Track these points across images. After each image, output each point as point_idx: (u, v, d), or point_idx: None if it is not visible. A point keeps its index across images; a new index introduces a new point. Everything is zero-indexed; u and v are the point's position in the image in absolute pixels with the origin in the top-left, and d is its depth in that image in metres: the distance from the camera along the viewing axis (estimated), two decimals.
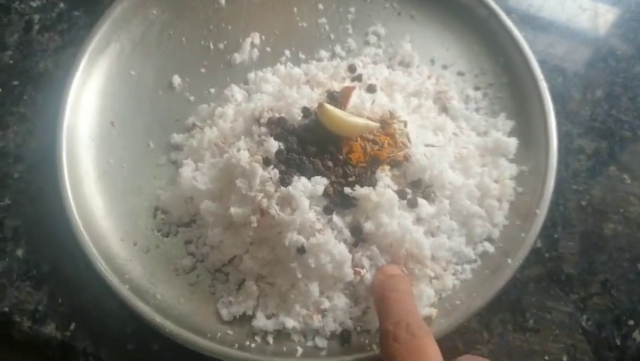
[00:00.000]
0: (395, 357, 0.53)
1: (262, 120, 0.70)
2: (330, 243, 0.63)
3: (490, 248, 0.70)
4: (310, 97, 0.72)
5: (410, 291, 0.62)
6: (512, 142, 0.74)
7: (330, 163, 0.67)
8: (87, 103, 0.76)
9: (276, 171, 0.65)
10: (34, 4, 0.86)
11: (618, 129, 0.80)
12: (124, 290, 0.66)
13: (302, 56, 0.82)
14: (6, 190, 0.75)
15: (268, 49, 0.82)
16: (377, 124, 0.69)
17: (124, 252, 0.70)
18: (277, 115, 0.70)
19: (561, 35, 0.87)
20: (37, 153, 0.77)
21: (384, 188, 0.66)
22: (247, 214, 0.65)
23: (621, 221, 0.75)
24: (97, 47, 0.78)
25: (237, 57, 0.81)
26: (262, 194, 0.64)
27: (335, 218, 0.65)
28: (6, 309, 0.69)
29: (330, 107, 0.67)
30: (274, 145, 0.67)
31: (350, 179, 0.67)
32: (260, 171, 0.65)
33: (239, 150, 0.68)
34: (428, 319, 0.65)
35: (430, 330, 0.57)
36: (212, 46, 0.82)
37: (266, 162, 0.66)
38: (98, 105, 0.77)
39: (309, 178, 0.65)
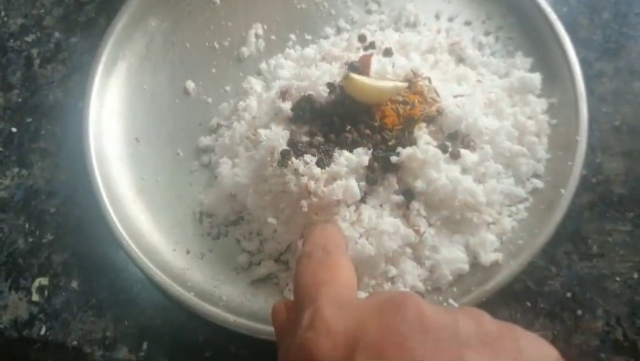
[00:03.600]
0: (304, 272, 0.49)
1: (287, 96, 0.70)
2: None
3: (539, 183, 0.70)
4: (332, 72, 0.71)
5: (338, 229, 0.60)
6: (536, 77, 0.74)
7: (367, 131, 0.66)
8: (108, 126, 0.75)
9: (312, 154, 0.65)
10: (28, 39, 0.85)
11: (632, 45, 0.81)
12: (191, 298, 0.65)
13: (308, 37, 0.81)
14: (46, 227, 0.74)
15: (273, 37, 0.82)
16: (405, 84, 0.68)
17: (179, 262, 0.69)
18: (303, 94, 0.69)
19: None
20: (68, 185, 0.76)
21: (426, 145, 0.66)
22: (296, 199, 0.64)
23: None
24: (105, 69, 0.76)
25: (245, 51, 0.80)
26: (306, 177, 0.64)
27: (379, 188, 0.65)
28: (75, 343, 0.68)
29: (356, 76, 0.66)
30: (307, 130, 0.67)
31: (390, 143, 0.66)
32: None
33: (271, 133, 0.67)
34: (495, 264, 0.65)
35: (346, 251, 0.54)
36: (217, 45, 0.81)
37: (305, 146, 0.66)
38: (119, 126, 0.76)
39: (350, 151, 0.65)
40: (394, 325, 0.37)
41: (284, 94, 0.70)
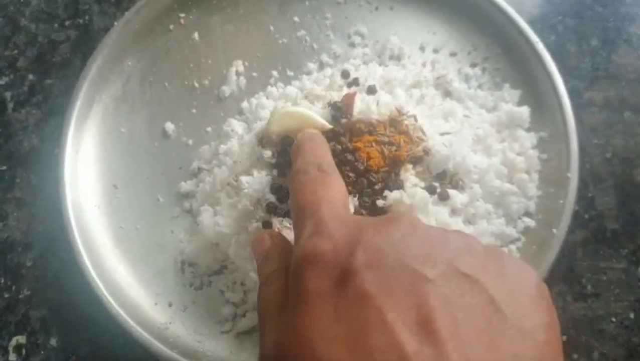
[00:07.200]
0: (303, 189, 0.50)
1: (264, 141, 0.67)
2: None
3: (530, 222, 0.68)
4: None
5: (327, 144, 0.60)
6: (525, 111, 0.72)
7: (352, 175, 0.64)
8: (85, 173, 0.72)
9: None
10: (1, 82, 0.82)
11: (622, 73, 0.79)
12: (173, 356, 0.62)
13: (290, 73, 0.79)
14: (22, 281, 0.71)
15: (254, 74, 0.79)
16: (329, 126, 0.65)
17: (161, 315, 0.66)
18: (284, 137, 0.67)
19: None
20: (45, 236, 0.73)
21: (413, 188, 0.63)
22: None
23: None
24: (80, 113, 0.73)
25: (226, 90, 0.78)
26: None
27: None
28: None
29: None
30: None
31: (376, 187, 0.64)
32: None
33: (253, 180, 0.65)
34: None
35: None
36: (197, 84, 0.78)
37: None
38: (96, 172, 0.73)
39: None
40: (390, 231, 0.40)
41: (262, 140, 0.68)
